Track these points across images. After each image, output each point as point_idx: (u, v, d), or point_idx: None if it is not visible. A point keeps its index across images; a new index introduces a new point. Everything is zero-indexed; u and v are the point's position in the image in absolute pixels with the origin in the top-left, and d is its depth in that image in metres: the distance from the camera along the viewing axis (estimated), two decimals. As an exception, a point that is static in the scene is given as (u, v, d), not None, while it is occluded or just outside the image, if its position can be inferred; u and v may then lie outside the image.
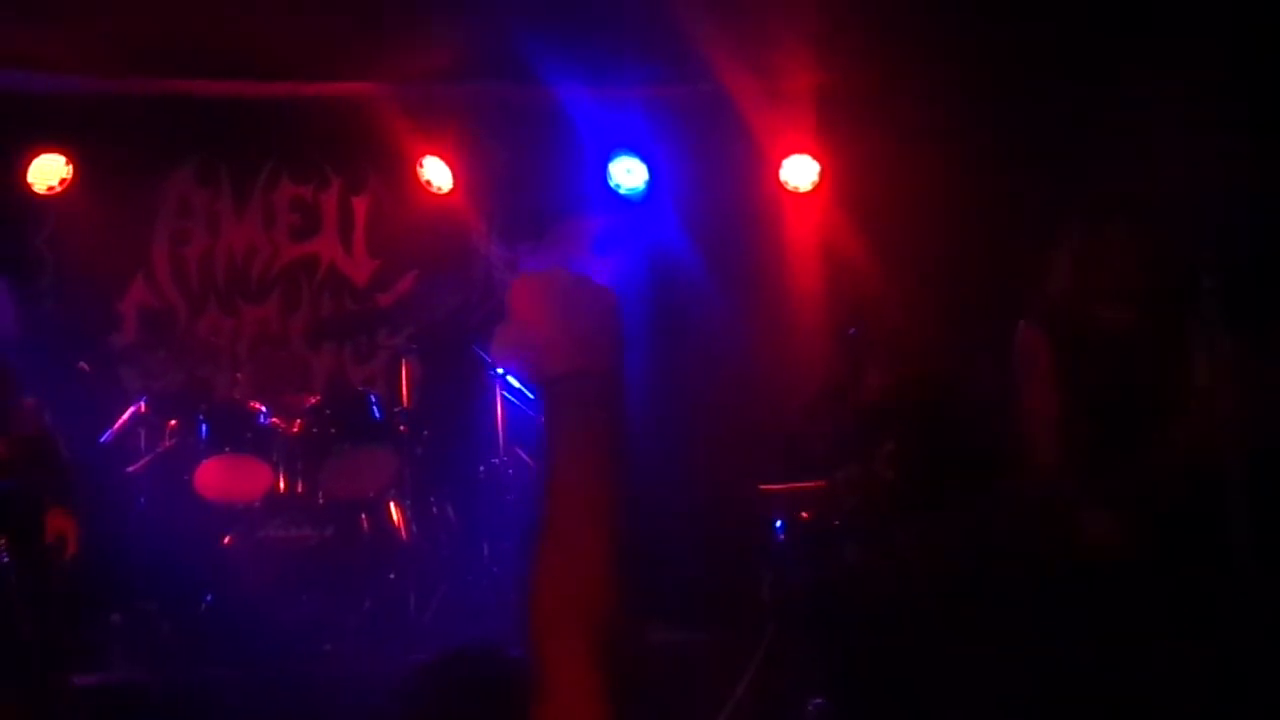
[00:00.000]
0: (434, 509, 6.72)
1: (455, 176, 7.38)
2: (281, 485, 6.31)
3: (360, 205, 7.81)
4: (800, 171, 7.21)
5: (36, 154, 7.00)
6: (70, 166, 6.99)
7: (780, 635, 5.07)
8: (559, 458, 1.57)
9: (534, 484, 1.64)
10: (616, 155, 7.33)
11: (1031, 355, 4.34)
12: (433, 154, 7.40)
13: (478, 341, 6.92)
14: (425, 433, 6.71)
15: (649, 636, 1.58)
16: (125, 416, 6.43)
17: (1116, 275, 4.25)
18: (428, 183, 7.41)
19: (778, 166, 7.21)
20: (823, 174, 7.12)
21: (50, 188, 7.01)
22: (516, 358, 1.60)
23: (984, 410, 4.99)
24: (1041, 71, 5.77)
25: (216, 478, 6.20)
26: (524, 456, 6.82)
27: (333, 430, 6.45)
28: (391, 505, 6.52)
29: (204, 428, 6.29)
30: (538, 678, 1.52)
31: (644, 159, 7.34)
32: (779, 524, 5.26)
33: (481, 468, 6.69)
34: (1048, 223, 4.42)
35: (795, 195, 7.17)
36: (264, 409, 6.49)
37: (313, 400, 6.69)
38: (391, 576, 6.30)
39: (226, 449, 6.24)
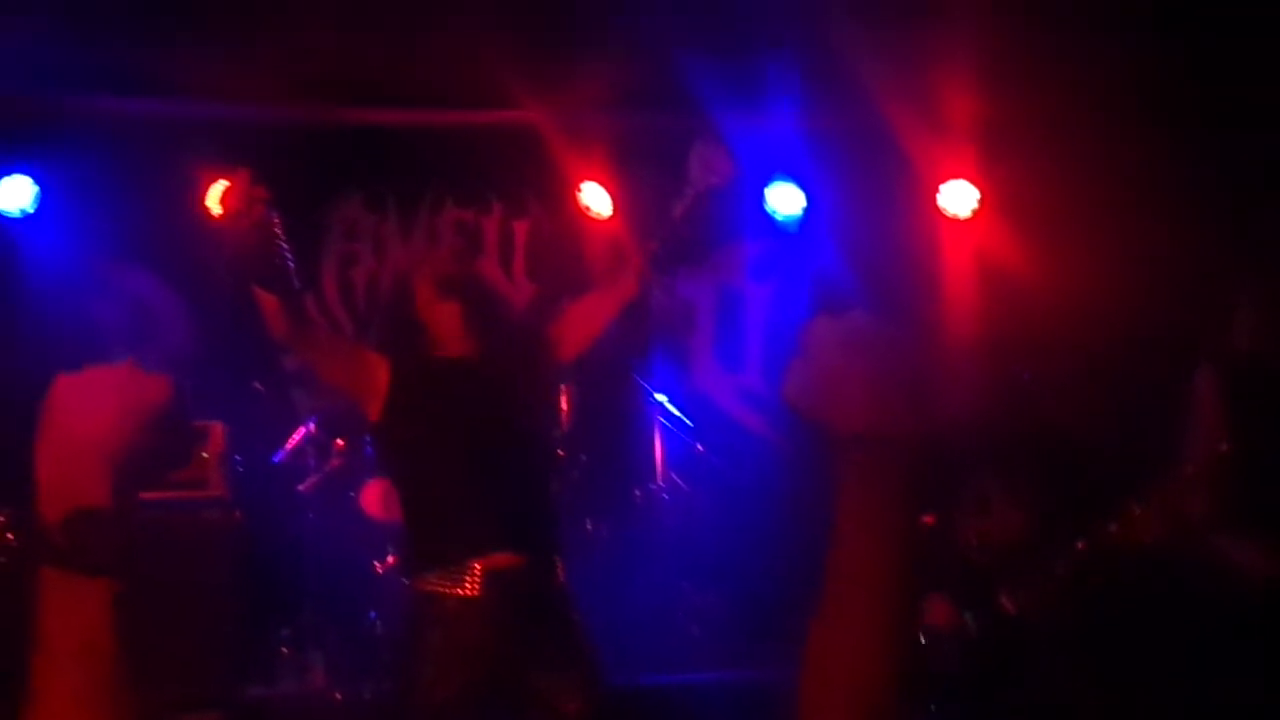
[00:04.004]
0: (589, 531, 6.81)
1: (614, 202, 7.46)
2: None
3: (520, 229, 7.94)
4: (959, 197, 7.16)
5: (216, 179, 7.24)
6: (247, 192, 7.19)
7: None
8: (848, 531, 1.40)
9: (813, 552, 1.43)
10: (774, 181, 7.34)
11: (1209, 400, 4.23)
12: (591, 179, 7.49)
13: (636, 367, 6.99)
14: (582, 457, 6.80)
15: None
16: (297, 436, 6.64)
17: None
18: (587, 208, 7.50)
19: (935, 192, 7.16)
20: (982, 201, 7.06)
21: (227, 212, 7.22)
22: (810, 403, 1.46)
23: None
24: (1212, 112, 5.64)
25: (381, 496, 6.38)
26: (680, 482, 6.86)
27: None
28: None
29: (370, 448, 6.46)
30: None
31: (801, 185, 7.34)
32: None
33: (638, 492, 6.76)
34: (1216, 265, 4.33)
35: (954, 222, 7.12)
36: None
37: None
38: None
39: (391, 469, 6.41)
